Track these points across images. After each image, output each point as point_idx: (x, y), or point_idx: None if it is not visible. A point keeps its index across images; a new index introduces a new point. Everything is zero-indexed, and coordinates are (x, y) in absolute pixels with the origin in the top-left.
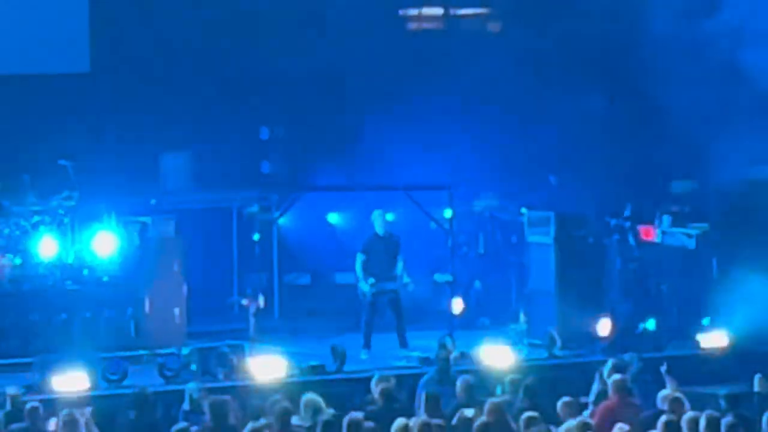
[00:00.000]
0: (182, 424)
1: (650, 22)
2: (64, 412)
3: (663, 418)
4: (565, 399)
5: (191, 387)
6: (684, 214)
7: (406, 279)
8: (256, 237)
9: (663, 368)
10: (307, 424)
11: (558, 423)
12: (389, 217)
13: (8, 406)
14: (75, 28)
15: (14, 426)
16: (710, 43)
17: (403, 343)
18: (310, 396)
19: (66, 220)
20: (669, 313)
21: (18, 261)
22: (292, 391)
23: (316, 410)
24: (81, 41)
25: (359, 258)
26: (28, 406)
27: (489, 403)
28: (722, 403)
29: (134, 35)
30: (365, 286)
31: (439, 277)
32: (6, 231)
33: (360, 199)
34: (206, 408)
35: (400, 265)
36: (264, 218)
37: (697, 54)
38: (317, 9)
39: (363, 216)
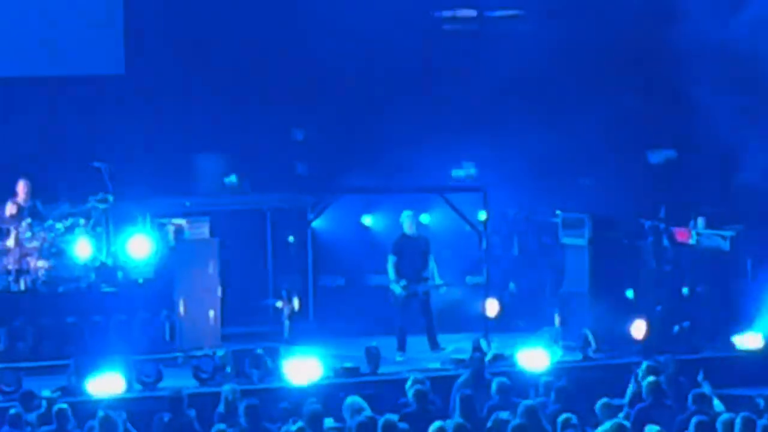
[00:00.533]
0: (219, 426)
1: (684, 20)
2: (101, 414)
3: (694, 420)
4: (604, 401)
5: (227, 389)
6: (718, 216)
7: (438, 280)
8: (290, 239)
9: (700, 377)
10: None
11: (594, 425)
12: (424, 219)
13: (43, 409)
14: (110, 30)
15: (44, 428)
16: (744, 40)
17: (434, 345)
18: (353, 398)
19: (101, 222)
20: (704, 315)
21: (53, 263)
22: (327, 393)
23: (357, 412)
24: (116, 43)
25: (390, 260)
26: (55, 408)
27: (523, 405)
28: (761, 402)
29: (168, 37)
30: (397, 288)
31: (470, 280)
32: (41, 234)
33: (394, 201)
34: (241, 411)
35: (431, 265)
36: (298, 220)
37: (731, 53)
38: (352, 10)
39: (397, 218)
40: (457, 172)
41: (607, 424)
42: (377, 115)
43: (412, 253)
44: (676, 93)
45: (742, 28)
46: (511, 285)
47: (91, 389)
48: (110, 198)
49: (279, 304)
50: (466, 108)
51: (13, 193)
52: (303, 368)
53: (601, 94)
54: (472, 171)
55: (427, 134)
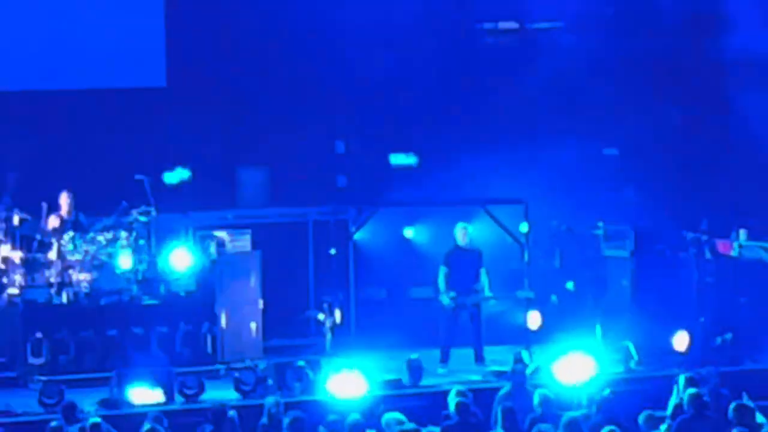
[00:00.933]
0: None
1: (725, 30)
2: (147, 426)
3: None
4: (647, 413)
5: (269, 402)
6: (761, 228)
7: (488, 293)
8: (332, 252)
9: (744, 396)
10: None
11: None
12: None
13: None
14: (151, 43)
15: None
16: None
17: (479, 359)
18: (392, 415)
19: (143, 235)
20: (747, 326)
21: (95, 276)
22: (369, 405)
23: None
24: (157, 56)
25: (441, 271)
26: (90, 421)
27: (566, 417)
28: None
29: (210, 50)
30: (446, 300)
31: (521, 294)
32: (83, 246)
33: (435, 213)
34: (286, 424)
35: (483, 278)
36: (340, 233)
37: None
38: (394, 23)
39: (438, 231)
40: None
41: None
42: (418, 128)
43: (464, 264)
44: (715, 104)
45: None
46: (553, 297)
47: (133, 401)
48: (152, 211)
49: (321, 316)
50: (508, 119)
51: (55, 206)
52: (344, 381)
53: (642, 104)
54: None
55: (468, 146)
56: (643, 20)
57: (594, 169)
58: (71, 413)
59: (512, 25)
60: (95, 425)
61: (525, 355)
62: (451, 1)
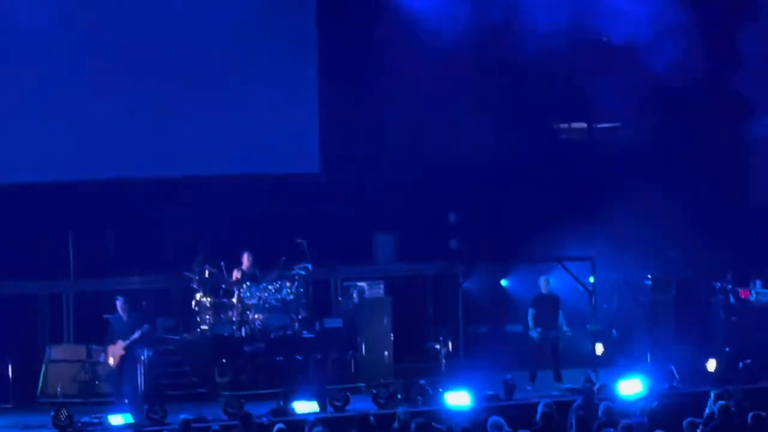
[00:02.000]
0: None
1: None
2: (317, 428)
3: None
4: (689, 419)
5: (400, 411)
6: None
7: (565, 328)
8: (446, 298)
9: None
10: None
11: None
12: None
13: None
14: (306, 131)
15: None
16: None
17: (558, 378)
18: (495, 418)
19: (302, 285)
20: (763, 355)
21: (266, 316)
22: (474, 414)
23: (498, 429)
24: (311, 143)
25: (530, 312)
26: (276, 428)
27: (623, 423)
28: None
29: (357, 136)
30: (534, 334)
31: (590, 328)
32: (257, 293)
33: (524, 268)
34: (413, 428)
35: (561, 317)
36: (452, 283)
37: None
38: (492, 123)
39: (527, 281)
40: None
41: None
42: (510, 203)
43: (547, 307)
44: (738, 178)
45: None
46: (614, 331)
47: (296, 411)
48: (309, 266)
49: (437, 346)
50: (580, 197)
51: (237, 263)
52: (455, 395)
53: (684, 187)
54: None
55: (548, 216)
56: (686, 122)
57: (646, 234)
58: (248, 420)
59: (582, 125)
60: (280, 431)
61: (593, 375)
62: (535, 107)
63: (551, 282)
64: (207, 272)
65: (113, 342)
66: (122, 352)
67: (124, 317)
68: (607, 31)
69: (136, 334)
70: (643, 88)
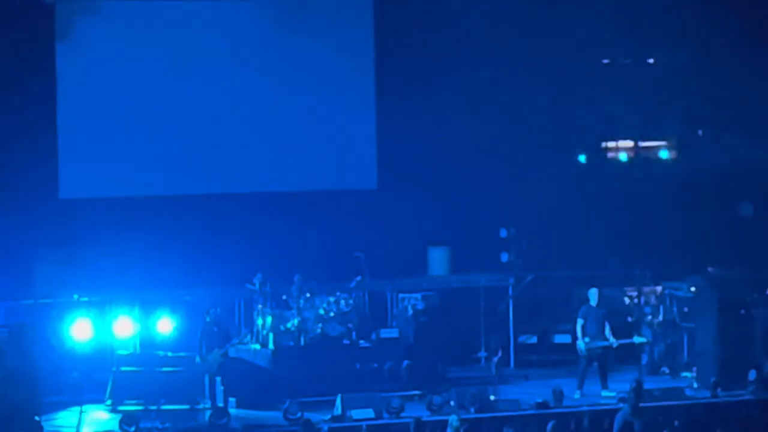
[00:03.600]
0: None
1: None
2: None
3: None
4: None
5: (453, 418)
6: None
7: (612, 339)
8: (497, 308)
9: None
10: None
11: None
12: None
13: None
14: (364, 148)
15: None
16: None
17: (605, 386)
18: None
19: (359, 297)
20: None
21: (323, 326)
22: (524, 421)
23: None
24: (369, 160)
25: (579, 323)
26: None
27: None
28: None
29: (413, 153)
30: (582, 344)
31: (636, 340)
32: (315, 305)
33: (569, 281)
34: None
35: (608, 328)
36: (503, 294)
37: None
38: (541, 141)
39: (573, 293)
40: None
41: None
42: (557, 216)
43: (595, 318)
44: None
45: None
46: (659, 342)
47: (353, 417)
48: (366, 280)
49: (488, 355)
50: (624, 213)
51: (300, 275)
52: (504, 402)
53: (723, 207)
54: None
55: (596, 233)
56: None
57: (689, 251)
58: (309, 427)
59: (628, 143)
60: None
61: (639, 384)
62: (584, 125)
63: (598, 294)
64: (268, 284)
65: (210, 350)
66: (220, 359)
67: (216, 327)
68: None
69: (234, 341)
70: None
